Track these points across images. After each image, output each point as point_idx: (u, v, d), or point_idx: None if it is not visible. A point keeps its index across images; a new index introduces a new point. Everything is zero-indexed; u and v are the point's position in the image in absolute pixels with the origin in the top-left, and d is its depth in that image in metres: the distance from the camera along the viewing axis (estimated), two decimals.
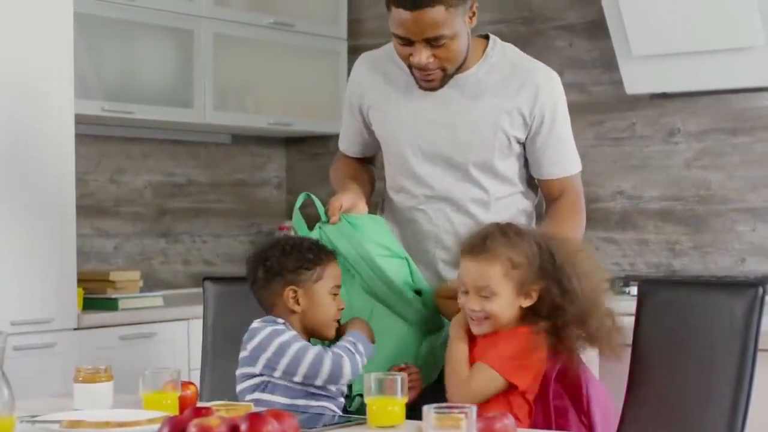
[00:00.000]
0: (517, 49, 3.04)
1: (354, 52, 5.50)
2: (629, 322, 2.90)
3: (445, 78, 2.92)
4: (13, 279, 4.03)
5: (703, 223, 4.98)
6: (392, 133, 3.02)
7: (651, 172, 5.09)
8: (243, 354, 2.76)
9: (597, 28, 5.11)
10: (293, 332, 2.73)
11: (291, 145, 5.90)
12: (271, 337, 2.70)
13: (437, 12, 2.78)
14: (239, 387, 2.76)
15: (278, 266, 2.78)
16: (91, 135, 4.93)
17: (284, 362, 2.67)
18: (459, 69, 2.93)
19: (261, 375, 2.72)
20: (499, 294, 2.69)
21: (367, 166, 3.25)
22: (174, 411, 2.51)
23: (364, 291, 2.90)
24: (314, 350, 2.68)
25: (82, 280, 4.35)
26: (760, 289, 2.63)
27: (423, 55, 2.84)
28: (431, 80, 2.91)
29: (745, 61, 4.66)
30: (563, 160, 3.01)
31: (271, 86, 5.39)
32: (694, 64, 4.76)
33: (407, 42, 2.84)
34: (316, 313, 2.80)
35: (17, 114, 4.05)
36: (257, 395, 2.71)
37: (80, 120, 4.37)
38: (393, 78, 3.02)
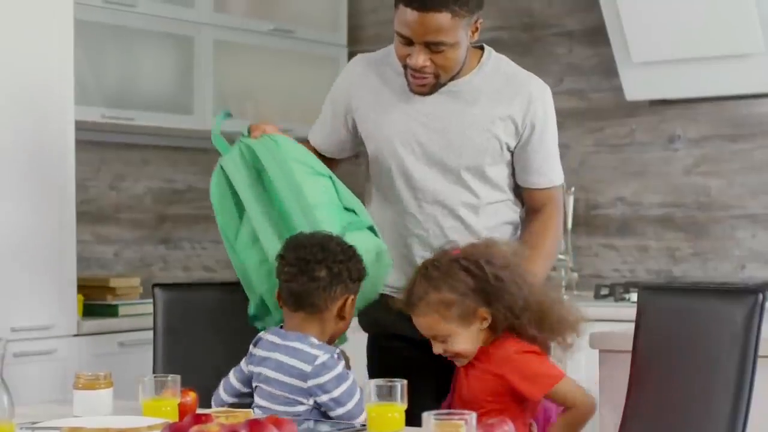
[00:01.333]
0: (510, 61, 3.09)
1: None
2: (629, 328, 2.90)
3: (437, 86, 2.96)
4: (13, 285, 4.02)
5: (703, 229, 4.98)
6: (385, 134, 3.04)
7: (651, 178, 5.09)
8: (293, 382, 2.70)
9: (597, 35, 5.11)
10: (352, 375, 2.72)
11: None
12: (336, 383, 2.68)
13: (443, 18, 2.82)
14: (283, 408, 2.71)
15: (345, 272, 2.76)
16: (91, 141, 4.93)
17: (338, 412, 2.68)
18: (453, 77, 2.97)
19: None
20: (451, 334, 2.77)
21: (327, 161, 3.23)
22: (174, 417, 2.51)
23: (269, 219, 2.90)
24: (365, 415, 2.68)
25: (82, 287, 4.35)
26: (760, 296, 2.63)
27: (420, 58, 2.88)
28: (423, 85, 2.95)
29: (744, 68, 4.66)
30: (549, 170, 3.07)
31: (271, 93, 5.39)
32: (694, 71, 4.76)
33: (408, 42, 2.88)
34: (346, 324, 2.82)
35: (17, 120, 4.05)
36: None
37: (80, 126, 4.37)
38: (389, 80, 3.05)
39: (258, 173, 2.93)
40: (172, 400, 2.54)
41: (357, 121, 3.11)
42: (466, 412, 2.08)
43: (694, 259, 4.99)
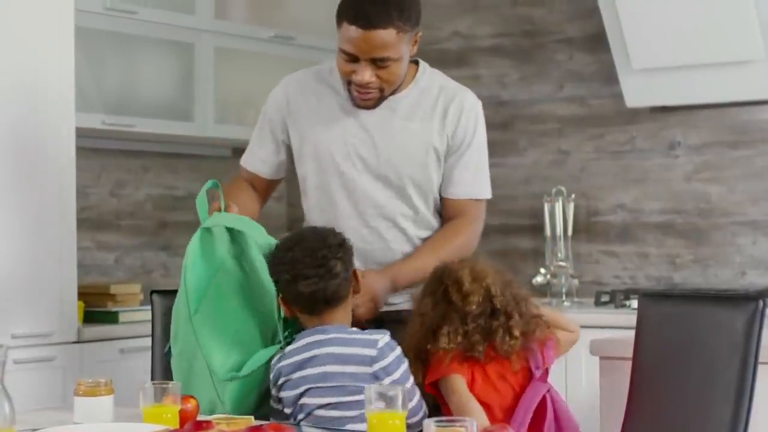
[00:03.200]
0: (444, 75, 3.13)
1: None
2: (630, 335, 2.90)
3: (381, 99, 3.01)
4: (14, 292, 4.02)
5: (703, 236, 4.98)
6: (325, 150, 3.06)
7: (651, 185, 5.09)
8: (358, 369, 2.71)
9: (597, 42, 5.12)
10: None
11: (291, 159, 5.89)
12: (397, 364, 2.73)
13: (388, 34, 2.88)
14: (352, 398, 2.71)
15: (348, 254, 2.84)
16: (92, 148, 4.93)
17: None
18: (393, 91, 3.01)
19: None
20: None
21: (258, 200, 3.25)
22: (174, 424, 2.51)
23: (226, 291, 2.89)
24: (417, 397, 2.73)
25: (82, 294, 4.35)
26: (761, 303, 2.63)
27: (366, 74, 2.92)
28: (368, 99, 3.00)
29: (745, 74, 4.67)
30: (473, 182, 3.09)
31: None
32: (695, 77, 4.77)
33: (353, 59, 2.93)
34: (359, 294, 2.90)
35: (18, 127, 4.05)
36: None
37: (81, 133, 4.37)
38: (326, 99, 3.09)
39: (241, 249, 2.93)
40: (173, 407, 2.54)
41: (293, 139, 3.14)
42: (467, 418, 2.08)
43: (695, 266, 4.99)
